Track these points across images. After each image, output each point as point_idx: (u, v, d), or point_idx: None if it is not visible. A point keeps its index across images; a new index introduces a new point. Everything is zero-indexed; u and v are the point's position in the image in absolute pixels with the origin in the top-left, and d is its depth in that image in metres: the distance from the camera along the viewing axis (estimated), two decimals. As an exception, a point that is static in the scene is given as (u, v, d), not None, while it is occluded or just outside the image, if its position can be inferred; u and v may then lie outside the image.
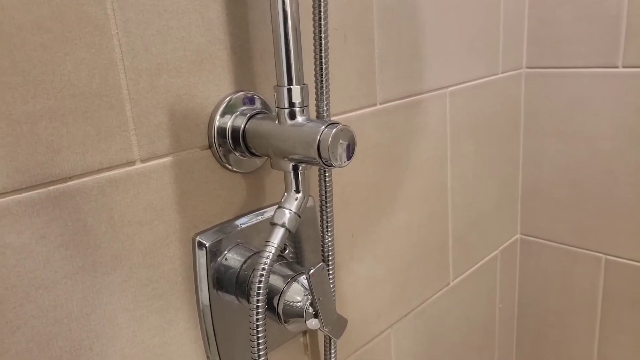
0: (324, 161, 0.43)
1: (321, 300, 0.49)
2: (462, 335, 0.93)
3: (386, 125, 0.68)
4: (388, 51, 0.66)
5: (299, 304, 0.49)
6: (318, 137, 0.43)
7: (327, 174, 0.55)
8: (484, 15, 0.82)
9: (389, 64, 0.67)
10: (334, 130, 0.42)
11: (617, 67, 0.83)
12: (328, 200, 0.56)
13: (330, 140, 0.42)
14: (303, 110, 0.46)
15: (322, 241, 0.57)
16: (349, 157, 0.44)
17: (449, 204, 0.82)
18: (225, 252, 0.52)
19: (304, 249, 0.60)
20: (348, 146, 0.44)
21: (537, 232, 1.01)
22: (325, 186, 0.55)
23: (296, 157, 0.45)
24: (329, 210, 0.56)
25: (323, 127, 0.43)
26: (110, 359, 0.45)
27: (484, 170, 0.89)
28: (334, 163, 0.43)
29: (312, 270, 0.47)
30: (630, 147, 0.84)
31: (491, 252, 0.96)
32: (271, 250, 0.46)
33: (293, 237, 0.59)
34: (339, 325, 0.53)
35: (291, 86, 0.45)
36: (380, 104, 0.67)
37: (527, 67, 0.93)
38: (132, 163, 0.44)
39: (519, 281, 1.06)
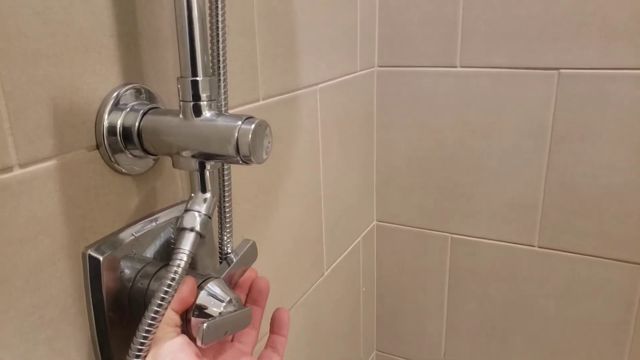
0: (242, 158, 0.41)
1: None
2: (335, 320, 0.97)
3: (269, 121, 0.67)
4: (268, 46, 0.65)
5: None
6: (236, 134, 0.40)
7: (226, 172, 0.52)
8: (345, 16, 0.86)
9: (270, 58, 0.66)
10: (253, 125, 0.40)
11: (455, 66, 0.94)
12: (227, 199, 0.53)
13: (250, 136, 0.40)
14: (211, 104, 0.43)
15: (221, 244, 0.54)
16: (267, 153, 0.42)
17: (322, 197, 0.85)
18: (121, 266, 0.46)
19: (198, 254, 0.57)
20: (267, 141, 0.42)
21: (391, 218, 1.09)
22: (224, 184, 0.52)
23: (207, 155, 0.42)
24: (227, 209, 0.53)
25: (240, 122, 0.41)
26: (-10, 409, 0.37)
27: (347, 163, 0.94)
28: (253, 159, 0.41)
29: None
30: (468, 136, 0.96)
31: (355, 240, 1.02)
32: (183, 257, 0.42)
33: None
34: None
35: (197, 78, 0.42)
36: (263, 99, 0.65)
37: (379, 66, 1.00)
38: (10, 169, 0.37)
39: (377, 264, 1.14)
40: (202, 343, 0.42)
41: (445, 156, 1.00)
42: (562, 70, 0.85)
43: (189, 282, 0.43)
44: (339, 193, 0.92)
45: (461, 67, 0.93)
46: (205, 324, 0.42)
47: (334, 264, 0.93)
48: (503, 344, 1.05)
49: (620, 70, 0.81)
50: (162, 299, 0.41)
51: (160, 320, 0.41)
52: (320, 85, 0.80)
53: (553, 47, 0.85)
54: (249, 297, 0.52)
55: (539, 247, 0.96)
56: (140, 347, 0.40)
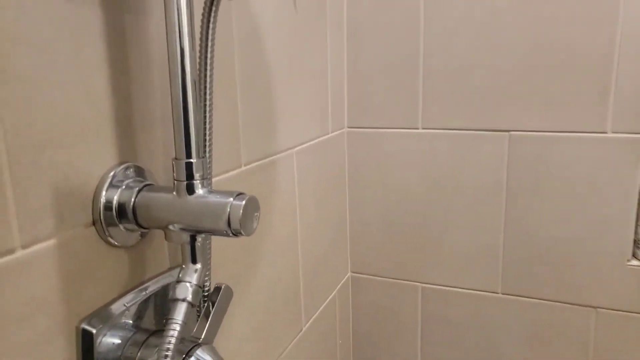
0: (233, 232, 0.44)
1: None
2: (313, 376, 0.98)
3: (250, 185, 0.71)
4: (249, 116, 0.70)
5: None
6: (228, 210, 0.44)
7: (207, 241, 0.55)
8: (317, 84, 0.92)
9: (250, 127, 0.70)
10: (244, 202, 0.44)
11: (417, 128, 1.00)
12: (207, 266, 0.56)
13: (241, 212, 0.43)
14: (203, 182, 0.46)
15: (200, 306, 0.56)
16: (256, 225, 0.46)
17: (299, 254, 0.88)
18: (112, 336, 0.48)
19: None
20: (255, 215, 0.46)
21: (364, 269, 1.13)
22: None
23: (200, 230, 0.45)
24: (207, 274, 0.56)
25: (231, 199, 0.44)
26: None
27: (322, 219, 0.98)
28: (244, 232, 0.44)
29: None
30: (433, 191, 1.02)
31: (331, 293, 1.04)
32: (176, 327, 0.44)
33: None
34: None
35: (192, 160, 0.45)
36: (245, 165, 0.69)
37: (348, 127, 1.06)
38: (12, 251, 0.39)
39: (352, 316, 1.16)
40: None
41: (412, 210, 1.05)
42: (512, 132, 0.93)
43: None
44: (315, 249, 0.95)
45: (422, 129, 1.00)
46: None
47: (311, 319, 0.95)
48: (476, 391, 1.08)
49: (561, 133, 0.90)
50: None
51: None
52: (297, 149, 0.85)
53: (504, 112, 0.93)
54: None
55: (503, 294, 1.01)
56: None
